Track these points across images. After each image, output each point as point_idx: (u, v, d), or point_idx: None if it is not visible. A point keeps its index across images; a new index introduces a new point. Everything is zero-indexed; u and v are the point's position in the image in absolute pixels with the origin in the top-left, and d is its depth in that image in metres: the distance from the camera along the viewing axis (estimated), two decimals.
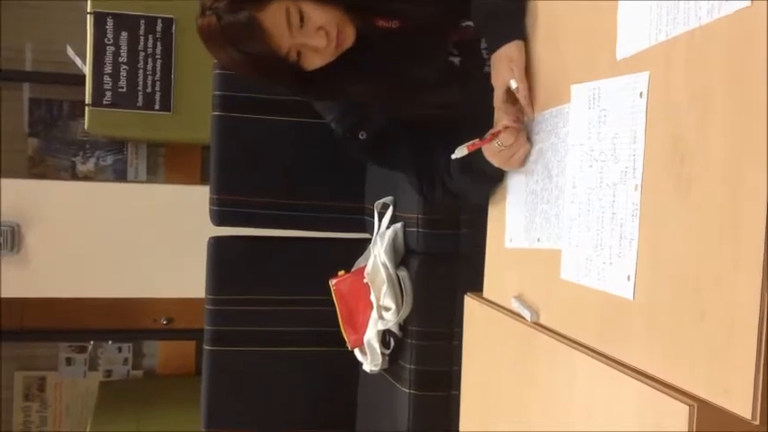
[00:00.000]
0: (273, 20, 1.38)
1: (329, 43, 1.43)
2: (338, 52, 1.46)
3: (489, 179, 1.52)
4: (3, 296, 3.58)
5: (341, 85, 1.56)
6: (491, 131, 1.40)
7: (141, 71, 3.74)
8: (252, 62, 1.43)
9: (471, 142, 1.39)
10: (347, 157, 1.92)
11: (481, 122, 1.57)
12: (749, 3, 0.86)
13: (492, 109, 1.47)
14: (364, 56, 1.52)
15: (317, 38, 1.42)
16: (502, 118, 1.46)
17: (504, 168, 1.48)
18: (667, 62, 1.00)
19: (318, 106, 1.75)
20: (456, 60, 1.61)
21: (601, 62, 1.16)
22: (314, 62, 1.46)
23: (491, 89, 1.44)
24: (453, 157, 1.39)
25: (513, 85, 1.37)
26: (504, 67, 1.39)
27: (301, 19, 1.39)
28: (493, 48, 1.42)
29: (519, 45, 1.38)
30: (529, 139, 1.41)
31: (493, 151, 1.42)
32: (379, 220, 2.22)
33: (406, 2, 1.54)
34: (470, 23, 1.58)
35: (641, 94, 1.05)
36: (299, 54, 1.43)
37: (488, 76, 1.46)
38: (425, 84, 1.60)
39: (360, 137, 1.68)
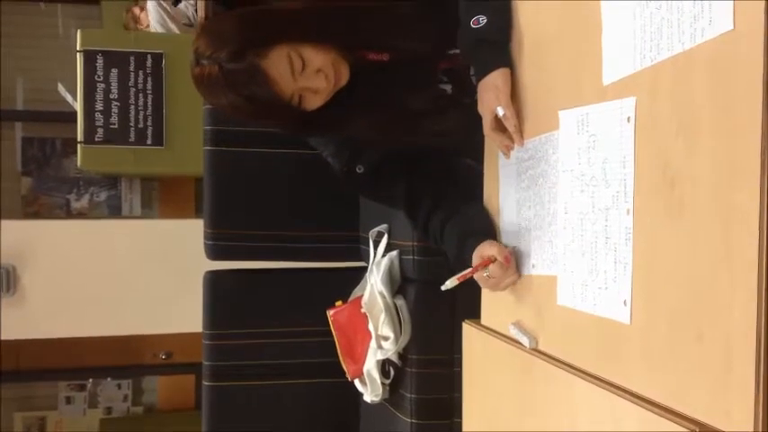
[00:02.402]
0: (277, 67, 1.39)
1: (328, 84, 1.44)
2: (334, 90, 1.48)
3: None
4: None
5: (338, 120, 1.57)
6: (478, 258, 1.44)
7: (132, 107, 3.75)
8: (254, 108, 1.43)
9: (462, 273, 1.41)
10: (341, 188, 1.92)
11: (476, 147, 1.58)
12: (732, 27, 0.86)
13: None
14: (358, 90, 1.53)
15: (317, 80, 1.43)
16: (493, 145, 1.47)
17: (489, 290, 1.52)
18: (653, 87, 1.01)
19: (314, 142, 1.76)
20: (447, 88, 1.61)
21: (587, 88, 1.17)
22: (314, 103, 1.47)
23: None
24: (443, 288, 1.40)
25: (500, 112, 1.38)
26: (490, 95, 1.40)
27: (302, 63, 1.40)
28: (479, 76, 1.43)
29: (504, 72, 1.39)
30: (517, 270, 1.43)
31: (480, 277, 1.44)
32: (375, 249, 2.22)
33: (394, 35, 1.55)
34: (458, 52, 1.59)
35: (629, 118, 1.05)
36: (300, 97, 1.44)
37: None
38: (420, 112, 1.61)
39: (357, 170, 1.68)
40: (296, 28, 1.42)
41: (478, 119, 1.46)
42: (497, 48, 1.41)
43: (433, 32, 1.55)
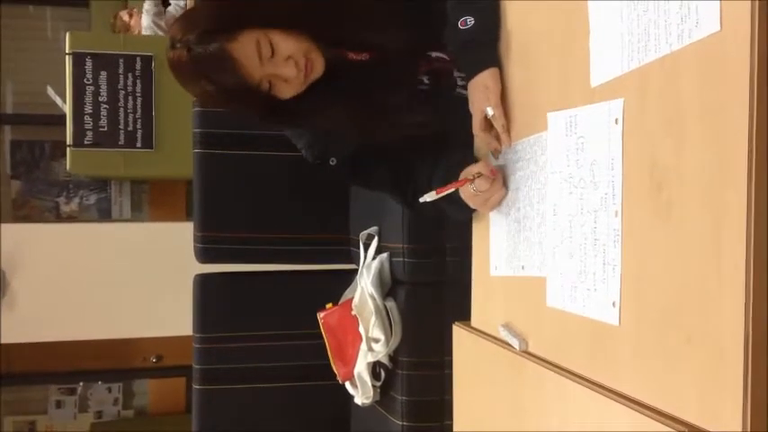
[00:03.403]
0: (244, 51, 1.38)
1: (298, 72, 1.43)
2: (308, 81, 1.47)
3: (466, 208, 1.52)
4: None
5: (312, 113, 1.57)
6: (464, 175, 1.42)
7: (122, 109, 3.75)
8: (224, 93, 1.43)
9: (443, 187, 1.40)
10: (331, 189, 1.92)
11: (454, 139, 1.58)
12: (719, 28, 0.86)
13: (469, 127, 1.48)
14: (335, 85, 1.53)
15: (286, 67, 1.42)
16: (481, 145, 1.46)
17: (480, 210, 1.49)
18: (641, 89, 1.01)
19: (290, 134, 1.75)
20: (425, 87, 1.62)
21: (575, 90, 1.17)
22: (285, 92, 1.46)
23: (463, 107, 1.46)
24: (422, 200, 1.40)
25: (490, 112, 1.38)
26: (480, 95, 1.41)
27: (271, 49, 1.40)
28: (469, 76, 1.44)
29: (493, 72, 1.40)
30: (505, 184, 1.42)
31: (468, 194, 1.43)
32: (365, 251, 2.22)
33: (376, 36, 1.55)
34: (440, 55, 1.59)
35: (617, 120, 1.05)
36: (270, 84, 1.44)
37: (458, 97, 1.47)
38: (396, 109, 1.61)
39: (330, 163, 1.68)
40: (265, 13, 1.42)
41: (455, 113, 1.46)
42: (486, 48, 1.42)
43: (413, 33, 1.55)
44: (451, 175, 1.47)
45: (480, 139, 1.48)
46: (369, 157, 1.70)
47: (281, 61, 1.42)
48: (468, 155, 1.55)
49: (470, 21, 1.41)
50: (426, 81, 1.62)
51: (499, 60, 1.42)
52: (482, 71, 1.41)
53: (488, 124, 1.42)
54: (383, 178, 1.73)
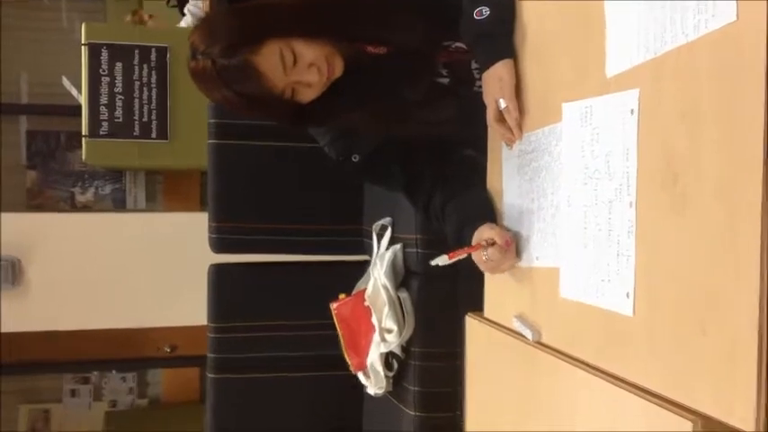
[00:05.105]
0: (268, 62, 1.39)
1: (321, 78, 1.45)
2: (328, 83, 1.48)
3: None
4: (4, 331, 3.57)
5: (333, 112, 1.57)
6: (476, 239, 1.44)
7: (137, 100, 3.75)
8: (247, 102, 1.44)
9: (454, 251, 1.40)
10: (344, 180, 1.92)
11: (476, 138, 1.58)
12: (735, 18, 0.86)
13: (486, 125, 1.48)
14: (354, 81, 1.54)
15: (309, 74, 1.43)
16: (495, 136, 1.47)
17: (486, 272, 1.52)
18: (656, 79, 1.00)
19: (312, 131, 1.76)
20: (445, 81, 1.62)
21: (591, 80, 1.16)
22: (307, 96, 1.47)
23: (483, 107, 1.46)
24: (433, 263, 1.40)
25: (503, 104, 1.39)
26: (494, 86, 1.41)
27: (294, 58, 1.41)
28: (483, 67, 1.44)
29: (508, 64, 1.40)
30: (518, 254, 1.43)
31: (479, 259, 1.44)
32: (378, 242, 2.22)
33: (392, 30, 1.55)
34: (459, 45, 1.59)
35: (632, 111, 1.05)
36: (293, 90, 1.45)
37: (479, 94, 1.47)
38: (414, 103, 1.61)
39: (353, 159, 1.69)
40: (285, 23, 1.43)
41: (476, 110, 1.46)
42: (501, 39, 1.42)
43: (430, 24, 1.55)
44: (465, 219, 1.52)
45: (494, 130, 1.48)
46: (389, 157, 1.70)
47: (304, 68, 1.43)
48: (486, 194, 1.57)
49: (486, 11, 1.41)
50: (445, 74, 1.61)
51: (514, 51, 1.42)
52: (496, 62, 1.41)
53: (502, 115, 1.42)
54: (400, 181, 1.73)
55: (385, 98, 1.59)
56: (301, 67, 1.42)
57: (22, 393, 4.62)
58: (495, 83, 1.41)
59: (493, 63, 1.41)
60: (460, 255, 1.40)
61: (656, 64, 1.00)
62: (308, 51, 1.42)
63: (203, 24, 1.50)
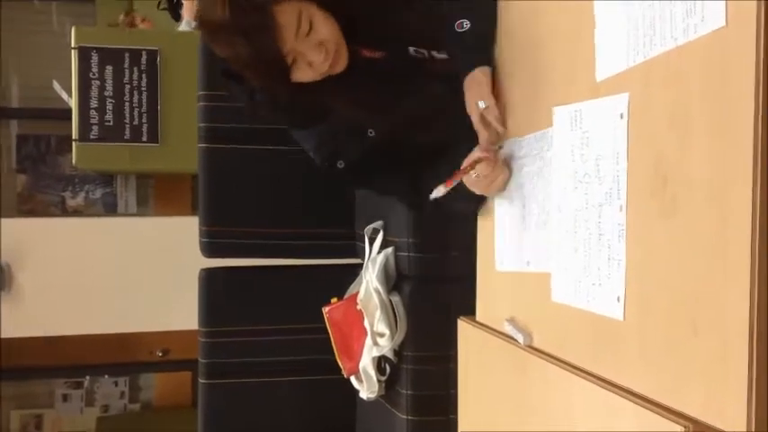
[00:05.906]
0: (285, 17, 1.37)
1: (324, 60, 1.44)
2: (327, 73, 1.47)
3: (474, 198, 1.52)
4: None
5: (325, 108, 1.57)
6: (466, 162, 1.42)
7: (127, 104, 3.74)
8: (252, 55, 1.40)
9: (449, 179, 1.39)
10: (336, 184, 1.92)
11: (467, 142, 1.58)
12: (724, 23, 0.86)
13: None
14: (349, 82, 1.53)
15: (315, 51, 1.42)
16: (481, 141, 1.48)
17: (486, 195, 1.50)
18: (646, 83, 1.01)
19: (297, 136, 1.76)
20: (438, 88, 1.62)
21: (581, 84, 1.16)
22: (304, 75, 1.46)
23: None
24: (432, 196, 1.39)
25: (482, 105, 1.41)
26: (473, 91, 1.44)
27: (309, 27, 1.40)
28: (462, 77, 1.47)
29: (485, 70, 1.44)
30: (507, 164, 1.43)
31: (471, 181, 1.44)
32: (370, 246, 2.22)
33: (391, 34, 1.56)
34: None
35: (622, 115, 1.05)
36: (293, 61, 1.44)
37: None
38: (405, 109, 1.61)
39: (338, 166, 1.69)
40: None
41: (465, 115, 1.48)
42: (479, 48, 1.46)
43: (424, 31, 1.56)
44: (456, 168, 1.48)
45: (481, 135, 1.48)
46: (373, 163, 1.70)
47: (314, 44, 1.42)
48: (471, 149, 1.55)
49: (467, 24, 1.46)
50: (437, 81, 1.62)
51: (494, 61, 1.46)
52: (474, 70, 1.45)
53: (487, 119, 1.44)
54: (389, 184, 1.73)
55: (375, 102, 1.59)
56: (312, 41, 1.41)
57: (14, 399, 4.60)
58: (473, 88, 1.44)
59: (471, 71, 1.45)
60: (455, 179, 1.38)
61: (646, 68, 1.00)
62: (324, 29, 1.41)
63: None
